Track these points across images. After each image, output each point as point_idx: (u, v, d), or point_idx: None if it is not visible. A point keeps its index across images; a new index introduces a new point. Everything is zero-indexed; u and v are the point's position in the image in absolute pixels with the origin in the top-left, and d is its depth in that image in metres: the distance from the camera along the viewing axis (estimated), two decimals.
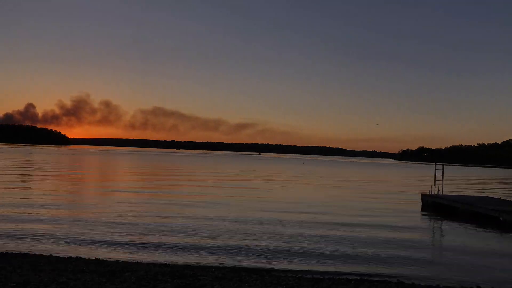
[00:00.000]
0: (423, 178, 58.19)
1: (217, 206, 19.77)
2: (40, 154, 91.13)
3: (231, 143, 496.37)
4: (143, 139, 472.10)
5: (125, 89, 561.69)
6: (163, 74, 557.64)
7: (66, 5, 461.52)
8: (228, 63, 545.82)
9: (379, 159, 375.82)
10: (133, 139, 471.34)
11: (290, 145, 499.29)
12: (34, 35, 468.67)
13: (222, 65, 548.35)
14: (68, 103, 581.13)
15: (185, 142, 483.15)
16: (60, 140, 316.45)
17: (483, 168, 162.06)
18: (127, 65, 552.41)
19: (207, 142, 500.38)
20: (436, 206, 22.20)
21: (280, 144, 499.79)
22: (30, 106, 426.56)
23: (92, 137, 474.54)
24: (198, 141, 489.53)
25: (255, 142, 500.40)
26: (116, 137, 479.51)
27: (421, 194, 24.87)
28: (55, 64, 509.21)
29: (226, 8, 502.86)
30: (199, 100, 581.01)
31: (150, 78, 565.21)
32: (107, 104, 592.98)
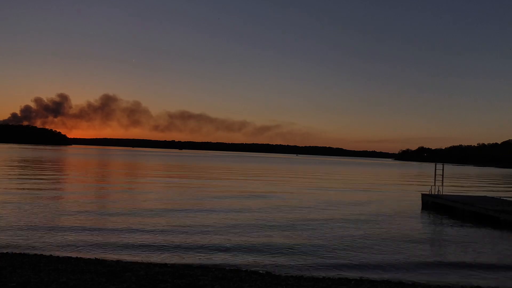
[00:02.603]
0: (423, 178, 58.18)
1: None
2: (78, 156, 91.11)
3: (232, 143, 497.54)
4: (141, 139, 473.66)
5: (152, 92, 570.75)
6: (189, 78, 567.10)
7: (98, 7, 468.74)
8: (251, 65, 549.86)
9: (379, 159, 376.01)
10: (135, 139, 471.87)
11: (290, 145, 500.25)
12: (65, 33, 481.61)
13: (245, 68, 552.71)
14: (96, 102, 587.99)
15: (185, 142, 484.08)
16: (60, 140, 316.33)
17: (483, 168, 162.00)
18: (153, 68, 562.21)
19: (207, 142, 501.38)
20: (436, 206, 22.21)
21: (280, 144, 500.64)
22: (63, 97, 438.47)
23: (91, 137, 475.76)
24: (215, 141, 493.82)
25: (255, 143, 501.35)
26: (117, 137, 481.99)
27: (421, 194, 24.88)
28: (86, 64, 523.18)
29: (249, 12, 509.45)
30: (225, 103, 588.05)
31: (176, 81, 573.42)
32: (137, 105, 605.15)
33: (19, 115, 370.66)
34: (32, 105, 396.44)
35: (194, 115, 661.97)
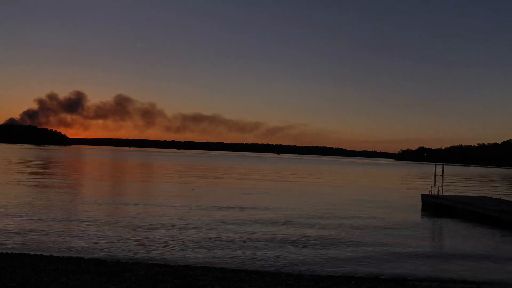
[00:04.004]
0: (423, 178, 58.17)
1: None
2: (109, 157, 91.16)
3: (232, 143, 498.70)
4: (140, 139, 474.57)
5: (168, 94, 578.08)
6: (202, 80, 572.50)
7: (114, 9, 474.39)
8: (266, 66, 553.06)
9: (379, 159, 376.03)
10: (135, 139, 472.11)
11: (290, 145, 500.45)
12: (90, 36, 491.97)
13: (259, 70, 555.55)
14: (109, 103, 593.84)
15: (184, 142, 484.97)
16: (60, 140, 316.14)
17: (483, 168, 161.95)
18: (169, 70, 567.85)
19: (208, 142, 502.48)
20: (436, 206, 22.19)
21: (280, 145, 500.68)
22: (80, 94, 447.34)
23: (92, 137, 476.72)
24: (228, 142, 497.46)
25: (255, 143, 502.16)
26: (125, 138, 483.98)
27: (421, 194, 24.86)
28: (101, 65, 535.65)
29: (261, 15, 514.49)
30: (238, 104, 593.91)
31: (191, 83, 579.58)
32: (152, 106, 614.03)
33: (36, 109, 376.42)
34: (47, 101, 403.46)
35: (208, 117, 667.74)
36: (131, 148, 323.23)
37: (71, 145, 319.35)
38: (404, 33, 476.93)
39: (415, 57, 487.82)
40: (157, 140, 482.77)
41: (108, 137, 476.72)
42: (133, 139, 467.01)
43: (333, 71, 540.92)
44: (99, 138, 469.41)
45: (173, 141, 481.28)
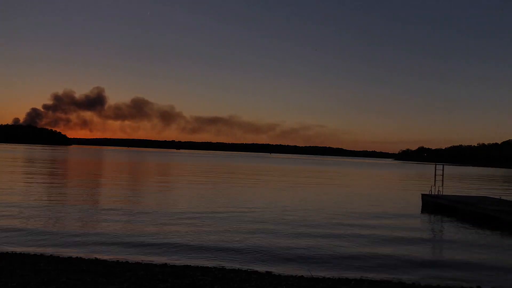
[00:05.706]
0: (423, 178, 58.16)
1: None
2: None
3: (232, 143, 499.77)
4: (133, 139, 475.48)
5: (186, 96, 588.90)
6: (219, 82, 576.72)
7: (132, 12, 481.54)
8: (280, 68, 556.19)
9: (379, 159, 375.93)
10: (135, 139, 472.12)
11: (290, 145, 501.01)
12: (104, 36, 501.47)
13: (275, 71, 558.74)
14: (127, 104, 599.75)
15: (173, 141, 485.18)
16: (60, 140, 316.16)
17: (483, 168, 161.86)
18: (188, 74, 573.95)
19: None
20: (436, 206, 22.20)
21: (280, 144, 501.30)
22: (100, 90, 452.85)
23: (91, 138, 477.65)
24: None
25: (255, 142, 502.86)
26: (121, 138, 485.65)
27: (421, 194, 24.88)
28: (119, 68, 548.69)
29: (274, 18, 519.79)
30: (256, 106, 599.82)
31: (208, 85, 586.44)
32: (169, 107, 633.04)
33: (52, 102, 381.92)
34: (63, 96, 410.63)
35: (224, 118, 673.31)
36: (131, 149, 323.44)
37: (71, 145, 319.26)
38: (405, 34, 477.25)
39: (415, 57, 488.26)
40: (157, 141, 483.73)
41: (109, 137, 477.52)
42: (133, 139, 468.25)
43: (335, 73, 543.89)
44: (100, 138, 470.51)
45: (173, 141, 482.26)
